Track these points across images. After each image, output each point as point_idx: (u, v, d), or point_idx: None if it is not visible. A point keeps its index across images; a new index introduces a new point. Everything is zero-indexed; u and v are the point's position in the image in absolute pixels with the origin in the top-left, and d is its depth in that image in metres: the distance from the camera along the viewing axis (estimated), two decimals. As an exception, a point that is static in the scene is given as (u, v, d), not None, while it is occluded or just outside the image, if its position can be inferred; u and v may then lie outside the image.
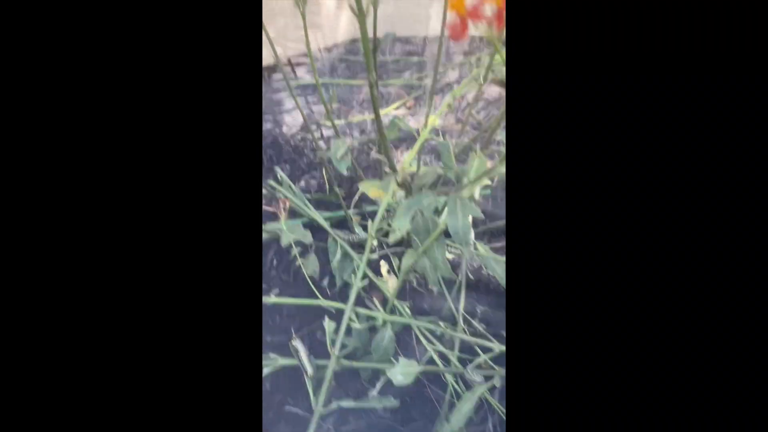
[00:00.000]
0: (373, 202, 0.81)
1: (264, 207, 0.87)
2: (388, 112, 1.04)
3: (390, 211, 0.67)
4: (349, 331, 0.58)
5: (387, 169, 0.59)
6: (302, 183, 0.89)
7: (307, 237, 0.58)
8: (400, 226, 0.51)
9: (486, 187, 0.80)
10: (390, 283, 0.70)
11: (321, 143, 0.94)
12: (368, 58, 0.41)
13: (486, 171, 0.47)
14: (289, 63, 1.16)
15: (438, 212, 0.57)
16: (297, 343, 0.59)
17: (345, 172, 0.60)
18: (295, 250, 0.70)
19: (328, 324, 0.58)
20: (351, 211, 0.77)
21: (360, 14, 0.34)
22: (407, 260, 0.59)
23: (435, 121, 1.05)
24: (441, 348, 0.61)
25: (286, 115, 1.05)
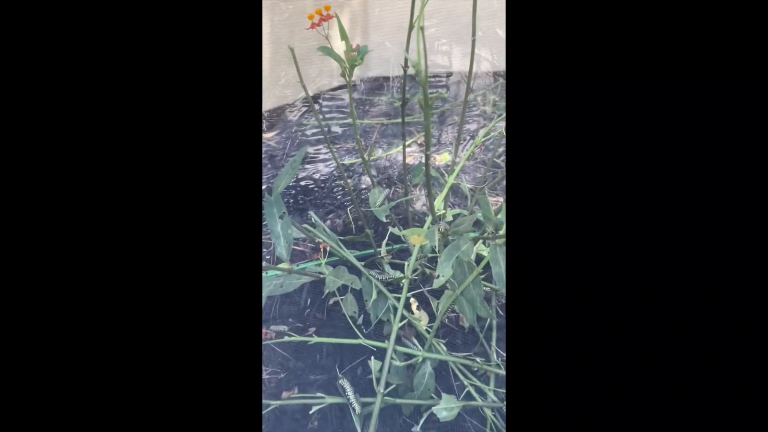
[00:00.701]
0: (397, 239, 0.85)
1: (293, 246, 0.91)
2: (399, 150, 1.09)
3: (422, 253, 0.71)
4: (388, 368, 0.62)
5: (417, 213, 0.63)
6: (327, 222, 0.93)
7: (356, 282, 0.62)
8: (444, 273, 0.56)
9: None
10: (423, 320, 0.73)
11: (349, 181, 0.99)
12: (428, 135, 0.46)
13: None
14: (317, 101, 1.21)
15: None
16: (344, 383, 0.62)
17: (384, 220, 0.65)
18: (336, 290, 0.74)
19: (374, 363, 0.62)
20: (381, 250, 0.81)
21: (426, 108, 0.38)
22: (445, 301, 0.63)
23: (446, 157, 1.09)
24: (477, 383, 0.65)
25: (314, 154, 1.10)
